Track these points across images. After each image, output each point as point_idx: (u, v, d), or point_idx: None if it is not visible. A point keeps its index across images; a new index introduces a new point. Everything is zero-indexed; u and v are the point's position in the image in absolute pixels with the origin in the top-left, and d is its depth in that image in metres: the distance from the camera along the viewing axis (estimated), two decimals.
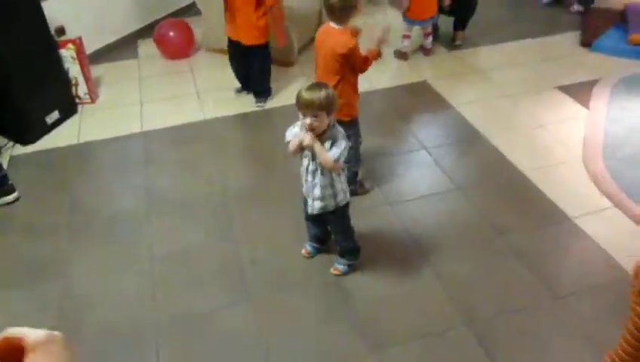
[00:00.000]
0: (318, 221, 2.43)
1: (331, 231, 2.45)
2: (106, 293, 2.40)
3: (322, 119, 2.02)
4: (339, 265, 2.47)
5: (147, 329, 2.22)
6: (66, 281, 2.46)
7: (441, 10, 4.40)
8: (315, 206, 2.27)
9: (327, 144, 2.08)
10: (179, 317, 2.28)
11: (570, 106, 3.64)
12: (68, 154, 3.36)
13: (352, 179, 2.86)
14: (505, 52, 4.38)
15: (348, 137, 2.70)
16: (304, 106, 2.01)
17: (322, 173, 2.16)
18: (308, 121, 2.01)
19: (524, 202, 2.84)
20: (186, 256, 2.59)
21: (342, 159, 2.10)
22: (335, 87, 2.54)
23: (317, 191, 2.22)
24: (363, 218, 2.72)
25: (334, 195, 2.23)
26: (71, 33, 3.84)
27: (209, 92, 3.96)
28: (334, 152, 2.07)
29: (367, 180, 2.99)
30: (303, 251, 2.56)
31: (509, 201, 2.85)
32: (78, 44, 3.68)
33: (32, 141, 3.45)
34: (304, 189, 2.29)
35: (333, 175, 2.19)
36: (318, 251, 2.57)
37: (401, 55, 4.30)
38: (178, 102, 3.86)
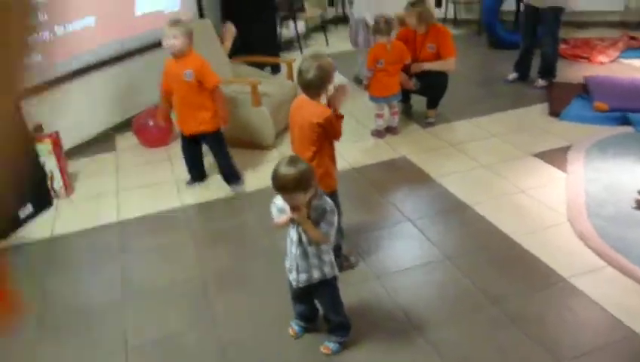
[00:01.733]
0: (304, 297, 2.30)
1: (320, 305, 2.32)
2: None
3: (299, 198, 1.99)
4: (329, 344, 2.30)
5: None
6: None
7: (414, 90, 4.56)
8: (300, 279, 2.16)
9: (314, 215, 2.04)
10: None
11: (548, 171, 3.68)
12: (40, 248, 3.22)
13: (337, 254, 2.76)
14: (477, 126, 4.49)
15: None
16: (278, 190, 2.00)
17: (309, 244, 2.09)
18: (288, 203, 2.01)
19: (516, 267, 2.76)
20: (164, 345, 2.40)
21: (332, 233, 2.08)
22: (312, 158, 2.53)
23: (302, 263, 2.13)
24: (351, 293, 2.60)
25: (320, 267, 2.14)
26: (49, 130, 3.85)
27: (186, 181, 3.92)
28: (323, 228, 2.05)
29: (352, 255, 2.89)
30: (290, 331, 2.41)
31: (500, 267, 2.77)
32: (55, 137, 3.67)
33: (3, 236, 3.32)
34: (287, 262, 2.19)
35: (322, 246, 2.11)
36: (305, 330, 2.41)
37: (378, 133, 4.38)
38: (155, 189, 3.81)
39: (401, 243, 3.03)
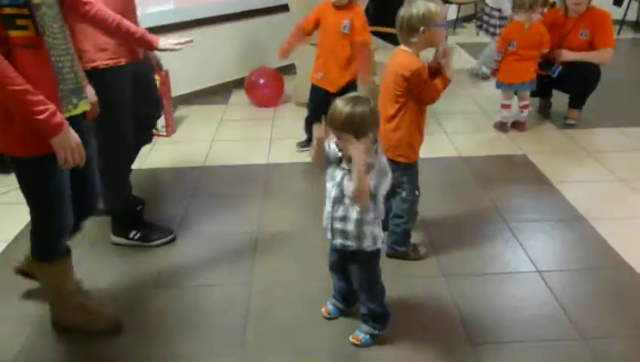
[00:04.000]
0: (341, 268, 1.97)
1: (354, 285, 1.97)
2: None
3: (348, 142, 1.67)
4: (359, 333, 1.95)
5: None
6: None
7: (556, 84, 3.90)
8: (334, 240, 1.85)
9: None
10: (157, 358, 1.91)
11: None
12: None
13: (404, 240, 2.39)
14: (628, 136, 3.69)
15: (400, 185, 2.30)
16: (328, 124, 1.70)
17: (351, 204, 1.76)
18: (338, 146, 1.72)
19: (631, 306, 2.13)
20: (189, 291, 2.25)
21: (380, 192, 1.72)
22: (393, 117, 2.19)
23: (337, 225, 1.80)
24: (406, 285, 2.22)
25: (358, 236, 1.79)
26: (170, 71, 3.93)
27: (283, 140, 3.76)
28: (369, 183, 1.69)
29: (423, 245, 2.48)
30: (323, 309, 2.09)
31: (607, 300, 2.16)
32: (164, 76, 3.72)
33: None
34: (324, 221, 1.87)
35: (365, 215, 1.76)
36: (340, 312, 2.08)
37: (501, 126, 3.81)
38: (248, 145, 3.71)
39: (487, 245, 2.54)
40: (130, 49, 2.24)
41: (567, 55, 3.63)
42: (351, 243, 1.80)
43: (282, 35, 4.69)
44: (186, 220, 2.78)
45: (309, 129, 3.50)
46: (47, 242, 1.86)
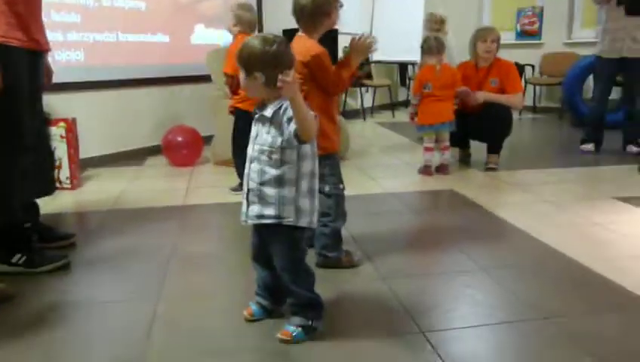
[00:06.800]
0: (265, 256, 1.68)
1: (277, 267, 1.66)
2: None
3: (250, 82, 1.55)
4: (289, 327, 1.62)
5: None
6: None
7: (472, 133, 4.01)
8: (249, 212, 1.59)
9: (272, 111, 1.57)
10: None
11: (634, 212, 2.87)
12: None
13: (335, 243, 2.14)
14: (550, 174, 3.75)
15: (322, 179, 2.09)
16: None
17: (269, 158, 1.55)
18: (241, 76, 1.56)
19: (583, 287, 1.98)
20: (85, 309, 1.85)
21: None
22: None
23: (255, 187, 1.56)
24: (340, 288, 1.96)
25: (278, 202, 1.55)
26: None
27: (200, 188, 3.50)
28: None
29: (357, 254, 2.23)
30: (245, 312, 1.75)
31: (559, 286, 2.00)
32: (70, 123, 3.45)
33: None
34: (243, 187, 1.63)
35: (286, 171, 1.54)
36: (266, 313, 1.75)
37: (426, 170, 3.76)
38: (162, 193, 3.40)
39: (425, 252, 2.34)
40: (28, 33, 2.02)
41: (482, 95, 3.76)
42: (267, 213, 1.56)
43: (202, 104, 4.63)
44: (84, 250, 2.38)
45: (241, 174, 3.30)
46: None
